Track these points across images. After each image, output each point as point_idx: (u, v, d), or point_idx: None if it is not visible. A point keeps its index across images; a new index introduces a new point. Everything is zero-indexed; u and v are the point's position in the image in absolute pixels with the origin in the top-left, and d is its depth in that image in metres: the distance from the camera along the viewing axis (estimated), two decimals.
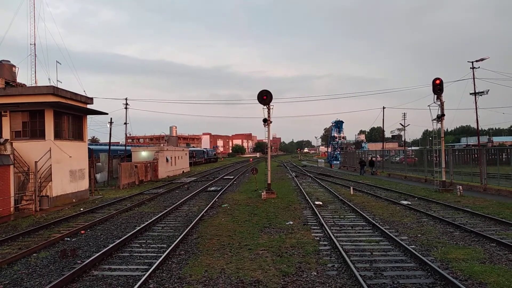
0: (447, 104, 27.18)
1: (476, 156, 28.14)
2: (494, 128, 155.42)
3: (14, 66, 27.72)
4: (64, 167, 23.89)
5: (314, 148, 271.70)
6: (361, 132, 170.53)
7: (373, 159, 47.62)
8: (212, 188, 29.70)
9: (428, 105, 26.24)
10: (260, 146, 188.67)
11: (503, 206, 18.57)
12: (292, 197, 24.31)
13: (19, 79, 27.83)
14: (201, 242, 12.88)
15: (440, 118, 26.09)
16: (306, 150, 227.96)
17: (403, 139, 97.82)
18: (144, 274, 9.54)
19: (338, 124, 69.56)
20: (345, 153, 66.40)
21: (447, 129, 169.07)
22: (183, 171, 54.66)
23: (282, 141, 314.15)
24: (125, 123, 51.85)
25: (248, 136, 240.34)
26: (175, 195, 27.10)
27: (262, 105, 24.80)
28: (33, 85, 30.92)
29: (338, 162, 65.59)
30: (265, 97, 24.69)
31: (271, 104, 24.90)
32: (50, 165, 22.60)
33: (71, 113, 25.18)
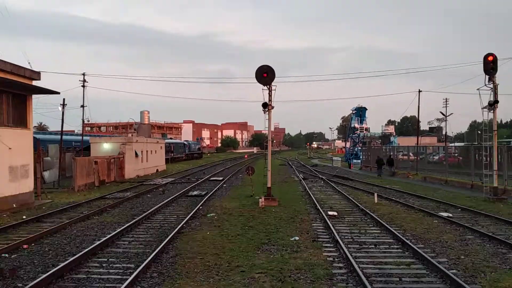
0: (502, 88, 27.12)
1: None
2: None
3: None
4: (1, 162, 23.77)
5: (329, 142, 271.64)
6: (390, 122, 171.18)
7: (392, 156, 49.42)
8: (195, 193, 29.70)
9: (478, 89, 26.27)
10: (258, 139, 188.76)
11: None
12: (298, 205, 24.30)
13: None
14: (179, 261, 12.88)
15: (492, 105, 26.13)
16: (315, 145, 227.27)
17: (443, 133, 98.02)
18: None
19: (360, 112, 69.42)
20: (368, 149, 66.52)
21: (501, 121, 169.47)
22: (157, 170, 54.77)
23: (286, 132, 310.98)
24: (83, 106, 51.73)
25: (243, 126, 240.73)
26: (147, 200, 26.97)
27: (261, 85, 24.71)
28: None
29: (359, 161, 65.86)
30: (265, 75, 24.61)
31: (273, 84, 24.84)
32: None
33: (11, 91, 25.04)
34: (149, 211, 21.71)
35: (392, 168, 47.72)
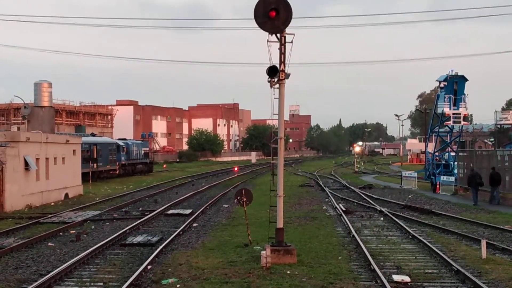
0: None
1: None
2: None
3: None
4: None
5: (394, 143, 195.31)
6: (511, 105, 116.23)
7: (497, 169, 34.13)
8: (139, 239, 22.98)
9: None
10: (258, 136, 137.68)
11: None
12: (335, 263, 18.30)
13: None
14: None
15: None
16: (359, 147, 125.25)
17: None
18: None
19: (454, 84, 44.16)
20: (470, 156, 43.27)
21: None
22: (66, 194, 41.85)
23: (313, 124, 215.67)
24: None
25: (230, 112, 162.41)
26: (48, 255, 19.90)
27: (266, 33, 18.11)
28: None
29: (452, 178, 44.56)
30: (274, 13, 17.82)
31: (288, 31, 18.18)
32: None
33: None
34: (53, 273, 15.72)
35: (496, 190, 32.96)
